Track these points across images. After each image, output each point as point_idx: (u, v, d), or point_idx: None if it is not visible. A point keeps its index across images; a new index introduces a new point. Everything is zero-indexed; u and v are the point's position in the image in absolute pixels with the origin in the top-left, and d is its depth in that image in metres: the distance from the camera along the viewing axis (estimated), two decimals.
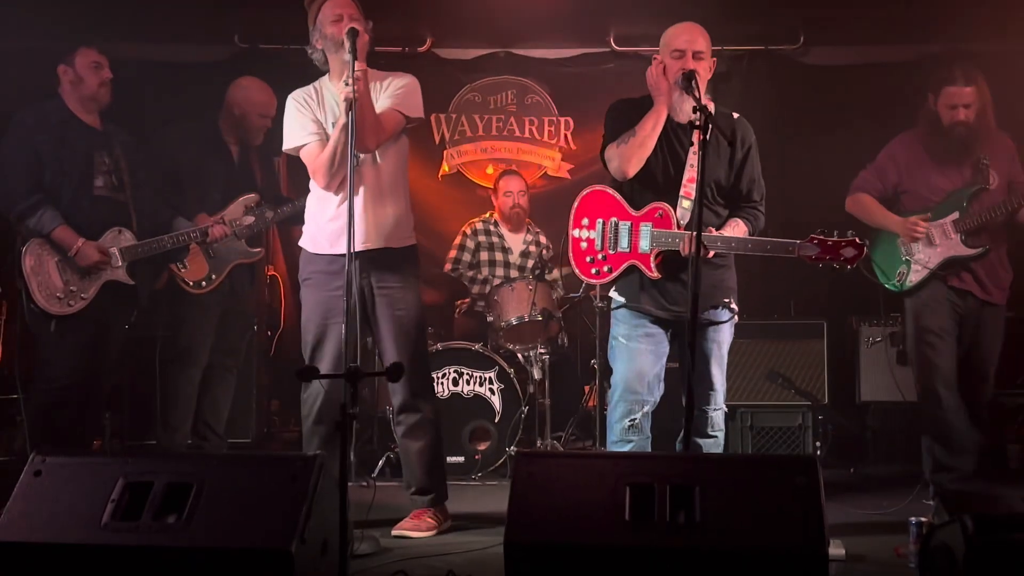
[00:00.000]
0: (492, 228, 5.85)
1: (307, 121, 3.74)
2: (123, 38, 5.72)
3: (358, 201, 3.65)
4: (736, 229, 3.60)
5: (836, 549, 3.36)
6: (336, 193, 3.73)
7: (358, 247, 3.48)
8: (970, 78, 4.16)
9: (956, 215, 4.21)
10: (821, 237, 3.47)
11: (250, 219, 4.55)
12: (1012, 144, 4.31)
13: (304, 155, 3.75)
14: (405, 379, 3.72)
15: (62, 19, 5.16)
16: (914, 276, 4.27)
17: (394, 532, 3.78)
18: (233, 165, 4.72)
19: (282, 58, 5.91)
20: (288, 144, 3.79)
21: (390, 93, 3.77)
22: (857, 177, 4.47)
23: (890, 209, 4.39)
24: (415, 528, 3.80)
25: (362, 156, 3.70)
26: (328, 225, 3.77)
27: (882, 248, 4.37)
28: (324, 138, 3.72)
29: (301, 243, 3.89)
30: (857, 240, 3.48)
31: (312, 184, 3.83)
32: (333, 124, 3.71)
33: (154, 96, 5.77)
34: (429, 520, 3.84)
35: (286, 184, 5.41)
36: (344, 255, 3.35)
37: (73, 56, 4.29)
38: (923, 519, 3.29)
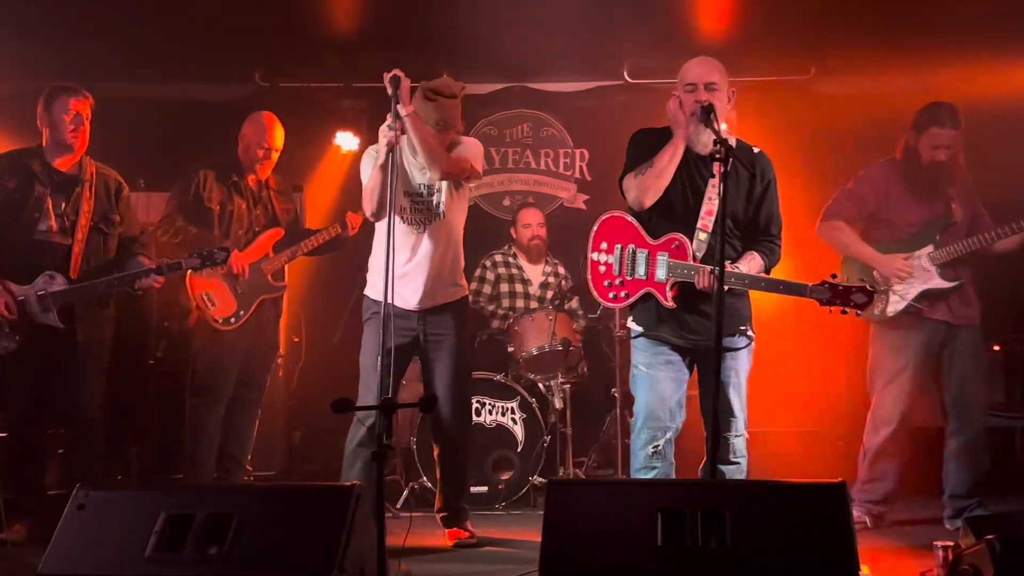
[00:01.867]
0: (511, 260, 5.91)
1: (367, 169, 4.02)
2: (146, 79, 5.84)
3: (422, 255, 4.04)
4: (752, 262, 3.64)
5: (864, 573, 3.39)
6: (400, 243, 3.90)
7: (414, 306, 4.03)
8: (955, 122, 4.32)
9: (931, 248, 4.35)
10: (832, 282, 3.52)
11: (195, 260, 4.39)
12: (970, 181, 4.48)
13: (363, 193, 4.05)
14: (451, 412, 4.13)
15: (87, 59, 5.27)
16: (892, 307, 4.38)
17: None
18: (253, 200, 4.79)
19: (302, 96, 6.01)
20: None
21: (464, 147, 4.11)
22: (830, 203, 4.56)
23: (859, 233, 4.51)
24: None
25: (439, 212, 4.05)
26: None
27: (848, 275, 4.43)
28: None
29: (365, 292, 4.20)
30: (868, 287, 3.53)
31: (376, 237, 4.13)
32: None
33: (177, 135, 5.86)
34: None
35: (307, 217, 5.50)
36: (404, 310, 4.00)
37: (52, 100, 4.31)
38: (948, 544, 3.32)
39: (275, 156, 4.79)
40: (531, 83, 6.50)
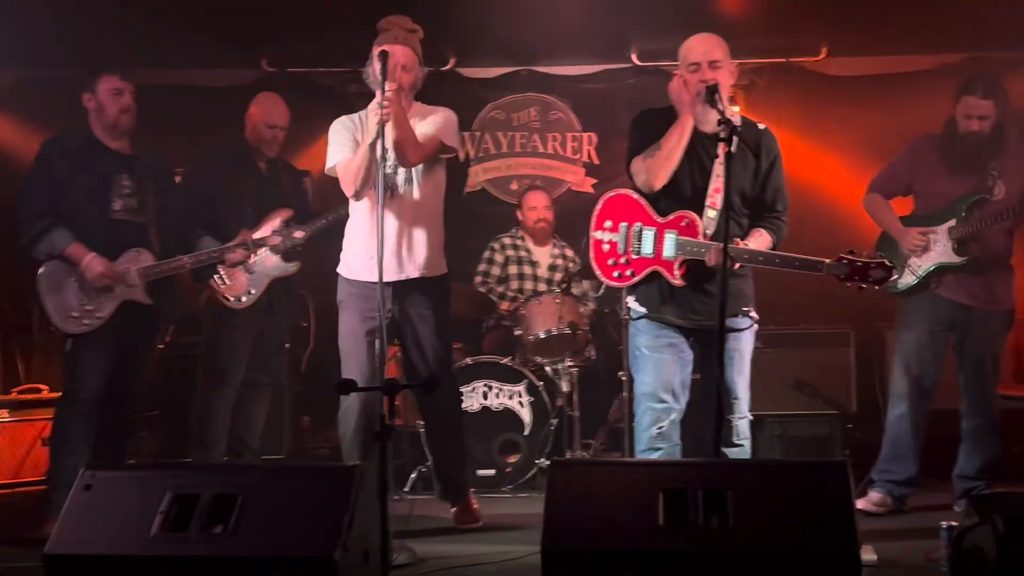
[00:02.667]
0: (519, 243, 5.91)
1: (346, 141, 3.94)
2: (154, 65, 5.86)
3: (394, 230, 3.88)
4: (760, 239, 3.63)
5: (868, 555, 3.38)
6: (369, 211, 3.87)
7: (393, 278, 3.81)
8: (990, 91, 4.21)
9: (953, 222, 4.27)
10: (851, 258, 3.50)
11: (276, 239, 4.59)
12: None
13: (339, 169, 3.93)
14: (439, 397, 3.95)
15: (93, 47, 5.29)
16: (904, 280, 4.34)
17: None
18: (263, 181, 4.79)
19: (308, 81, 6.02)
20: (329, 163, 3.98)
21: (431, 122, 3.97)
22: (876, 175, 4.54)
23: (906, 208, 4.46)
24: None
25: (401, 188, 3.92)
26: (363, 253, 3.95)
27: (884, 249, 4.39)
28: None
29: (339, 270, 4.08)
30: (886, 262, 3.52)
31: (352, 216, 4.03)
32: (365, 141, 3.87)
33: (186, 120, 5.89)
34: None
35: (315, 200, 5.50)
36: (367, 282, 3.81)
37: (95, 83, 4.34)
38: (954, 524, 3.31)
39: (281, 135, 4.79)
40: (538, 67, 6.49)
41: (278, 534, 2.51)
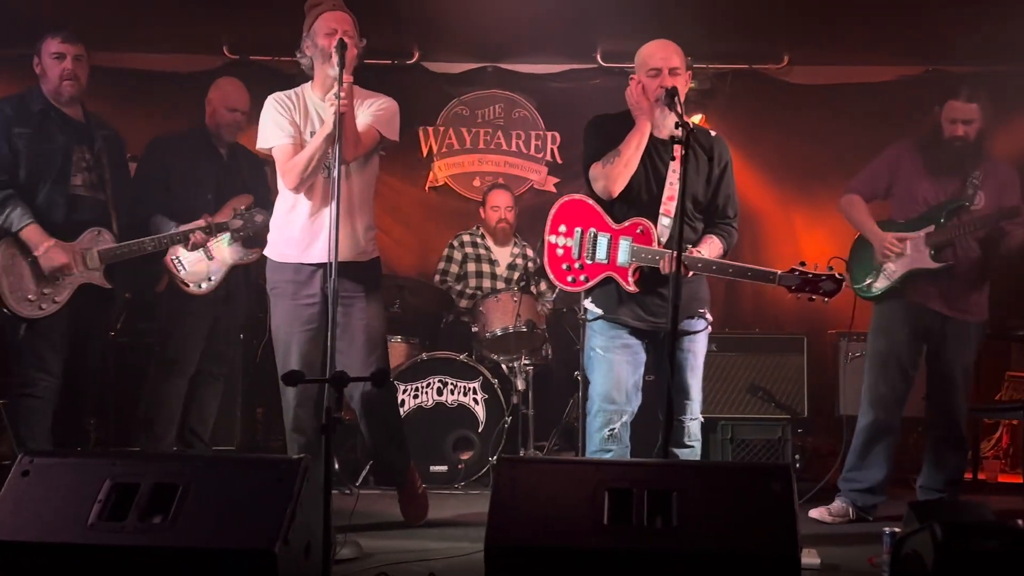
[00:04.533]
0: (479, 240, 5.90)
1: (285, 123, 3.77)
2: (117, 48, 5.77)
3: (327, 215, 3.69)
4: (712, 246, 3.65)
5: (811, 559, 3.42)
6: (308, 198, 3.77)
7: (327, 259, 3.54)
8: (974, 96, 4.20)
9: (931, 228, 4.24)
10: (802, 269, 3.52)
11: (237, 223, 4.52)
12: (1012, 174, 4.31)
13: (277, 154, 3.77)
14: (370, 390, 3.86)
15: (51, 26, 5.17)
16: (879, 284, 4.33)
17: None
18: (223, 167, 4.74)
19: (270, 69, 5.97)
20: (263, 143, 3.82)
21: (371, 112, 3.83)
22: (854, 176, 4.51)
23: (884, 213, 4.44)
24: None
25: (336, 185, 3.73)
26: (295, 235, 3.82)
27: (860, 252, 4.41)
28: (300, 142, 3.76)
29: (267, 252, 3.93)
30: (836, 275, 3.53)
31: (280, 195, 3.87)
32: (312, 133, 3.77)
33: (146, 104, 5.81)
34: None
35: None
36: (312, 264, 3.71)
37: (40, 46, 4.15)
38: (896, 530, 3.34)
39: (242, 119, 4.72)
40: (504, 64, 6.48)
41: (218, 526, 2.47)
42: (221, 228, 4.47)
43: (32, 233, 4.05)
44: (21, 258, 4.08)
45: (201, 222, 4.46)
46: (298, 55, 3.85)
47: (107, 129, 4.41)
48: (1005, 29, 5.35)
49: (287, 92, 3.87)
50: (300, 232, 3.80)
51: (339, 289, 3.71)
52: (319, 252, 3.73)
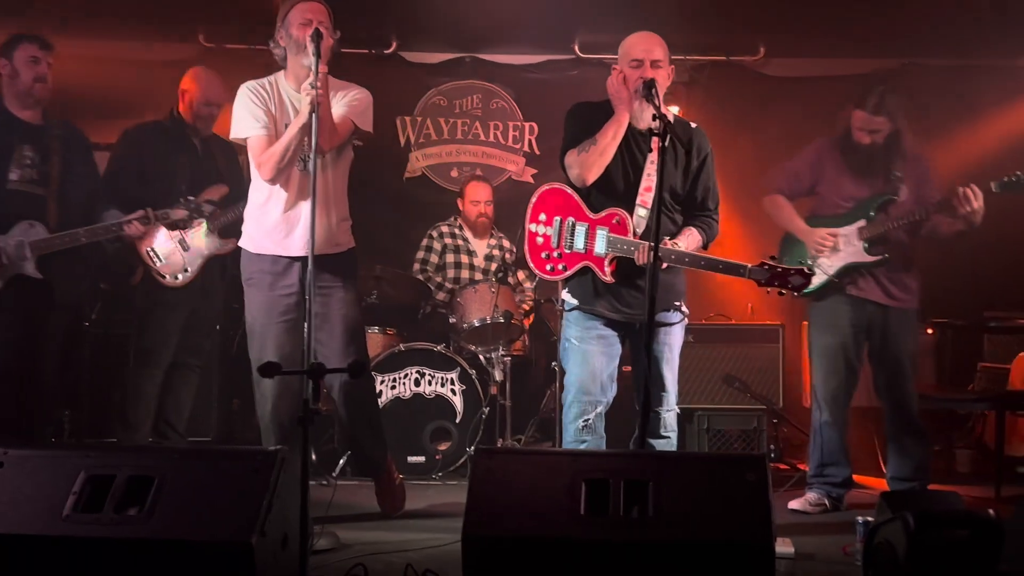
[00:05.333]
0: (457, 231, 5.90)
1: (260, 112, 3.74)
2: (92, 35, 5.72)
3: (306, 207, 3.65)
4: (691, 238, 3.66)
5: (786, 547, 3.44)
6: (284, 189, 3.76)
7: (304, 252, 3.59)
8: (880, 108, 4.26)
9: (863, 223, 4.31)
10: (771, 263, 3.55)
11: (182, 212, 4.42)
12: (928, 165, 4.42)
13: (252, 144, 3.75)
14: (349, 380, 3.86)
15: (26, 10, 5.14)
16: (816, 279, 4.34)
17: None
18: (197, 157, 4.70)
19: (246, 58, 5.92)
20: (237, 132, 3.80)
21: (346, 103, 3.81)
22: (770, 174, 4.54)
23: (806, 208, 4.48)
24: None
25: (310, 165, 3.71)
26: (271, 227, 3.81)
27: (789, 250, 4.46)
28: (274, 133, 3.74)
29: (241, 243, 3.91)
30: (805, 269, 3.57)
31: (253, 186, 3.85)
32: (287, 124, 3.74)
33: (119, 93, 5.75)
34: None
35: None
36: (288, 257, 3.72)
37: (13, 49, 4.23)
38: (870, 519, 3.38)
39: (218, 112, 4.70)
40: (482, 54, 6.47)
41: (195, 518, 2.47)
42: (163, 218, 4.38)
43: None
44: None
45: (140, 212, 4.38)
46: (271, 45, 3.81)
47: (67, 128, 4.43)
48: (978, 25, 5.41)
49: (260, 81, 3.83)
50: (276, 224, 3.78)
51: (317, 281, 3.71)
52: (296, 244, 3.74)
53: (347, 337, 3.89)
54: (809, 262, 4.31)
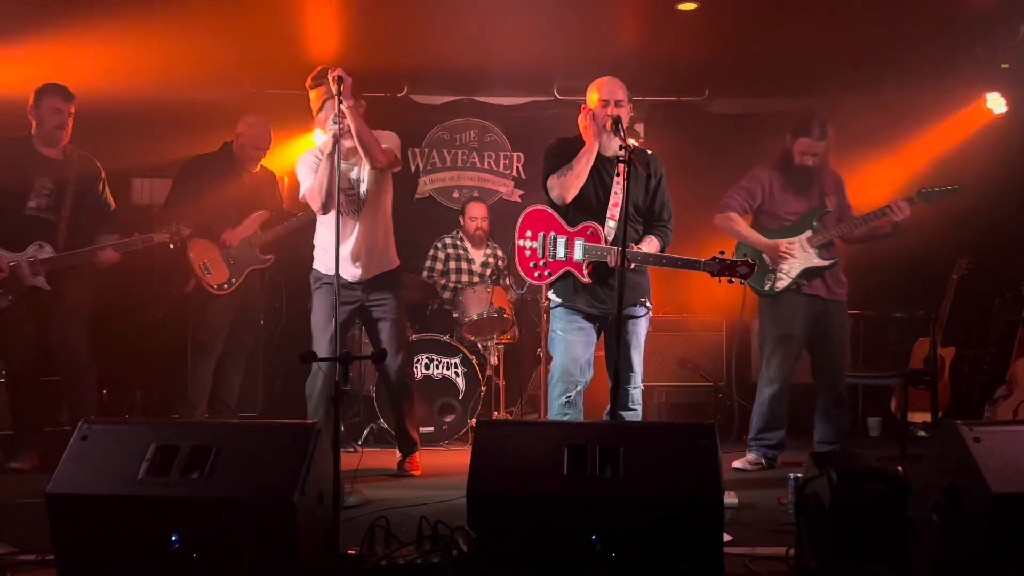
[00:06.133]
0: (458, 243, 5.89)
1: (312, 172, 3.87)
2: (153, 83, 5.66)
3: (358, 237, 3.91)
4: (650, 244, 3.67)
5: (730, 499, 3.45)
6: (336, 219, 3.77)
7: (358, 278, 3.90)
8: (823, 134, 4.29)
9: (809, 233, 4.33)
10: (721, 257, 3.57)
11: (149, 238, 4.36)
12: (842, 180, 4.47)
13: (305, 195, 3.90)
14: (399, 366, 4.06)
15: (97, 62, 5.09)
16: (780, 283, 4.37)
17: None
18: (245, 188, 4.70)
19: (284, 101, 5.89)
20: (303, 191, 3.92)
21: (384, 139, 3.91)
22: (725, 196, 4.50)
23: (749, 224, 4.48)
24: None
25: (362, 202, 3.88)
26: (328, 248, 3.86)
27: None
28: None
29: (314, 265, 4.08)
30: (749, 261, 3.58)
31: (320, 221, 3.99)
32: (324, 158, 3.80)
33: (175, 131, 5.69)
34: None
35: (289, 203, 5.39)
36: (348, 281, 3.93)
37: (40, 100, 4.25)
38: (799, 475, 3.37)
39: (263, 155, 4.74)
40: (478, 97, 6.45)
41: (246, 479, 2.44)
42: (129, 245, 4.34)
43: None
44: None
45: (108, 243, 4.34)
46: (318, 128, 3.99)
47: (84, 161, 4.41)
48: (888, 67, 5.45)
49: (310, 151, 3.98)
50: (330, 246, 3.78)
51: (371, 297, 4.00)
52: (357, 272, 3.97)
53: (397, 339, 4.06)
54: (770, 268, 4.33)
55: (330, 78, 3.55)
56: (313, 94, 3.86)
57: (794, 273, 4.33)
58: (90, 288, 4.40)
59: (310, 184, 3.85)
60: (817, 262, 4.32)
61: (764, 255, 4.36)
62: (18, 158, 4.23)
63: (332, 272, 3.83)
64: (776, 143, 4.46)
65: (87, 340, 4.36)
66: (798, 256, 4.33)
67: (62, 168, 4.30)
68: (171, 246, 4.42)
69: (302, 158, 3.95)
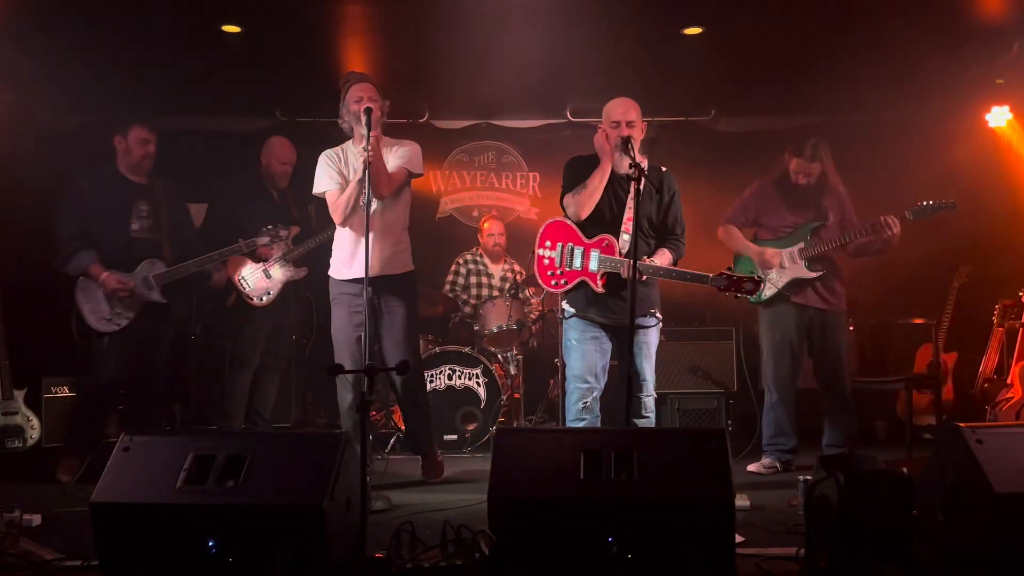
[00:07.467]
0: (478, 259, 5.90)
1: (333, 173, 3.88)
2: (188, 113, 5.75)
3: (373, 240, 3.75)
4: (663, 257, 3.67)
5: (742, 501, 3.42)
6: (352, 230, 3.86)
7: (373, 274, 3.68)
8: (815, 156, 4.27)
9: (801, 245, 4.31)
10: (728, 273, 3.56)
11: (264, 239, 4.47)
12: (846, 194, 4.41)
13: (328, 197, 3.89)
14: (404, 378, 3.98)
15: (138, 98, 5.16)
16: (767, 292, 4.35)
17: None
18: (276, 206, 4.75)
19: (313, 128, 5.95)
20: (317, 189, 3.93)
21: (399, 155, 3.90)
22: (728, 210, 4.53)
23: (750, 234, 4.48)
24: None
25: (375, 203, 3.80)
26: (346, 257, 3.93)
27: (742, 268, 4.42)
28: (345, 186, 3.86)
29: (330, 272, 4.02)
30: (756, 278, 3.56)
31: (338, 231, 3.96)
32: (353, 178, 3.82)
33: (213, 158, 5.77)
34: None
35: (316, 221, 5.43)
36: (356, 279, 3.75)
37: (127, 130, 4.33)
38: (808, 477, 3.34)
39: (290, 170, 4.75)
40: (495, 120, 6.46)
41: (278, 487, 2.45)
42: (250, 246, 4.43)
43: (94, 269, 4.22)
44: (97, 289, 4.23)
45: (238, 243, 4.42)
46: (340, 122, 3.94)
47: (167, 184, 4.50)
48: (887, 86, 5.41)
49: (334, 148, 3.96)
50: (349, 255, 3.90)
51: (383, 298, 3.90)
52: (357, 268, 3.80)
53: (406, 344, 3.97)
54: (761, 275, 4.30)
55: (360, 111, 3.63)
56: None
57: (781, 283, 4.31)
58: (188, 301, 4.54)
59: (330, 190, 3.86)
60: (805, 273, 4.29)
61: (755, 263, 4.36)
62: (113, 188, 4.31)
63: (347, 278, 3.90)
64: (780, 160, 4.44)
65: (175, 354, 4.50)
66: (787, 266, 4.30)
67: (152, 192, 4.40)
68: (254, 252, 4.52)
69: (324, 157, 3.94)
